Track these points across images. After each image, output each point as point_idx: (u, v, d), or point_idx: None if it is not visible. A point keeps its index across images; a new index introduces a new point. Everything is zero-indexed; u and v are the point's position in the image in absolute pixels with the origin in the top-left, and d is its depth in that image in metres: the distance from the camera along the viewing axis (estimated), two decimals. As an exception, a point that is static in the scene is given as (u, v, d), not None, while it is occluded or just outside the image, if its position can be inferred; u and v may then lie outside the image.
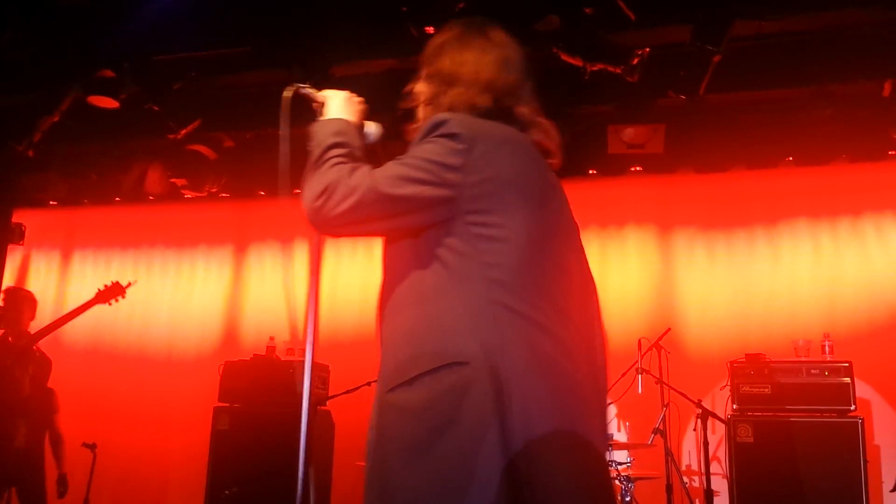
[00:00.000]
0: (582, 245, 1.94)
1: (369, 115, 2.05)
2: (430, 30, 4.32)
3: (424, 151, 1.73)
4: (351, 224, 1.72)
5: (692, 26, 4.45)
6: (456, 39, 1.97)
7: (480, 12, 4.49)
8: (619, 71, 4.64)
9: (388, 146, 2.11)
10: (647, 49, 4.61)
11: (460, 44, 1.95)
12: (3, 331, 4.93)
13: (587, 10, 4.42)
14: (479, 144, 1.74)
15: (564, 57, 4.63)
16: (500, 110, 1.86)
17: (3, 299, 5.07)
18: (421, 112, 1.97)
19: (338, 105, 1.95)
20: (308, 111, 2.01)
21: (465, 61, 1.91)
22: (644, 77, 4.65)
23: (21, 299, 5.08)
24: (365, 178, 1.69)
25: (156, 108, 5.35)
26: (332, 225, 1.72)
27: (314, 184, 1.72)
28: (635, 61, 4.57)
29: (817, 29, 4.82)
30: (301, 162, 1.91)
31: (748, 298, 6.01)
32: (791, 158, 5.72)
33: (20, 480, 4.80)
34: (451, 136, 1.73)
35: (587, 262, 1.94)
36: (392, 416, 1.66)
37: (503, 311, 1.66)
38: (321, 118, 1.94)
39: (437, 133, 1.75)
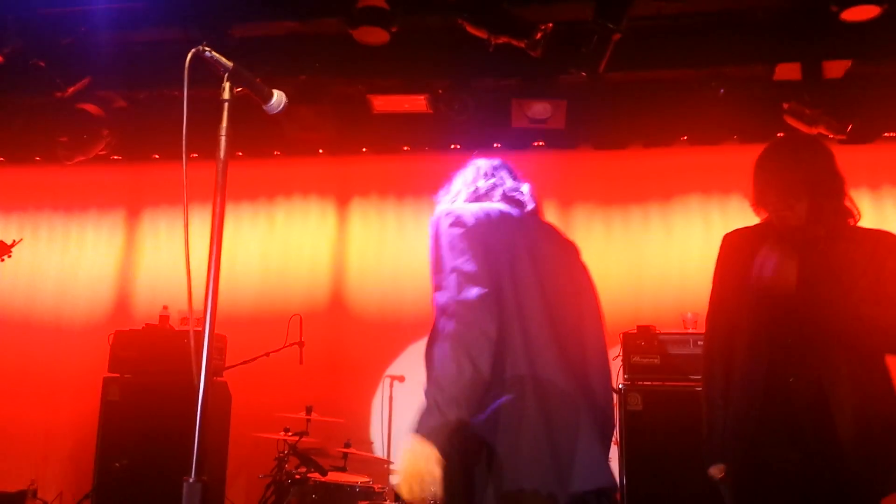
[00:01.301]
0: (574, 264, 2.64)
1: (272, 81, 2.00)
2: None
3: (447, 250, 2.15)
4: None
5: (594, 3, 4.51)
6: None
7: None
8: (522, 45, 4.67)
9: (292, 112, 2.07)
10: (550, 24, 4.65)
11: None
12: None
13: (493, -18, 4.43)
14: (469, 224, 2.18)
15: (469, 28, 4.63)
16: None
17: None
18: None
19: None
20: (211, 75, 1.94)
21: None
22: (547, 52, 4.69)
23: None
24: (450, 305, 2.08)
25: (42, 64, 5.09)
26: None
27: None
28: (538, 36, 4.59)
29: (714, 12, 4.97)
30: (201, 125, 1.84)
31: (641, 272, 6.21)
32: (685, 138, 5.90)
33: None
34: (455, 224, 2.19)
35: (582, 280, 2.62)
36: None
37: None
38: None
39: (447, 224, 2.19)
